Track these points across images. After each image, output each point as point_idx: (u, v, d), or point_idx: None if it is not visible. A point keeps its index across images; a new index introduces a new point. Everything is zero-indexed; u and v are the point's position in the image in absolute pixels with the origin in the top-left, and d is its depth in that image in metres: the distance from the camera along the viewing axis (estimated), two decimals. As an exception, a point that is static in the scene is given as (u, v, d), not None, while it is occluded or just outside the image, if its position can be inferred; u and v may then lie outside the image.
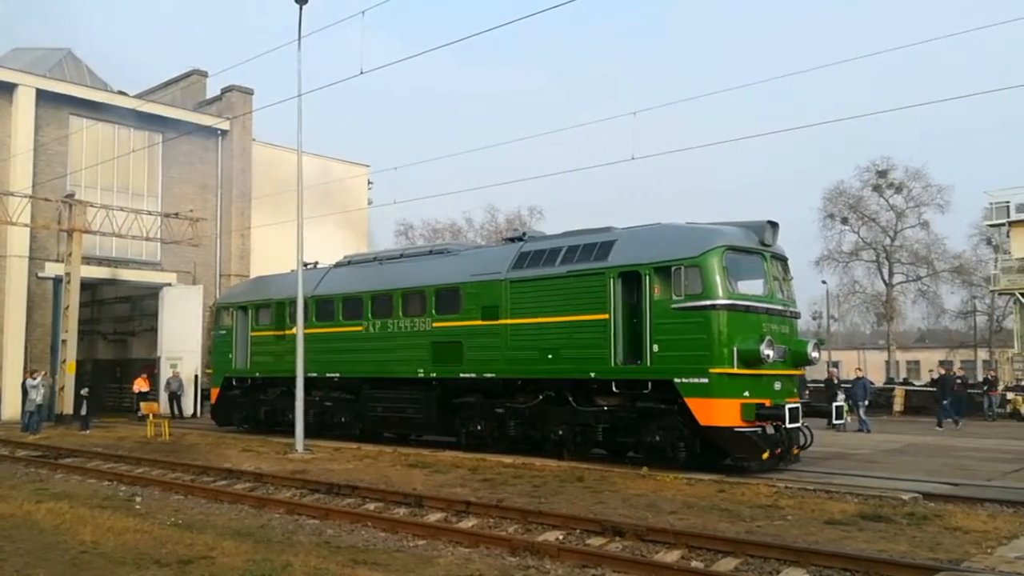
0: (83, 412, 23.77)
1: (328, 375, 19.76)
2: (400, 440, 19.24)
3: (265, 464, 15.52)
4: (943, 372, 26.41)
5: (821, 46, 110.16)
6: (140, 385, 27.98)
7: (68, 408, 24.92)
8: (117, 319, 36.33)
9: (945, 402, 24.41)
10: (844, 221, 52.74)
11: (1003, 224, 40.92)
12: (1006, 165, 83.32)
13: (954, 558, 7.91)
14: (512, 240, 18.04)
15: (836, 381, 26.92)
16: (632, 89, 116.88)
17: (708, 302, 13.49)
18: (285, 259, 23.21)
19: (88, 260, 27.21)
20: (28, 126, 27.68)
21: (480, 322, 16.65)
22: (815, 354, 14.69)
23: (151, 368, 29.58)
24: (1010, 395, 30.28)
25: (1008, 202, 39.89)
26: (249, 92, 33.66)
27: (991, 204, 41.24)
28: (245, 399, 22.63)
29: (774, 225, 14.72)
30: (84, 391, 24.31)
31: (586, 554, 8.23)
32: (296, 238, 18.26)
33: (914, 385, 36.38)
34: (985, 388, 29.07)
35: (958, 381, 25.90)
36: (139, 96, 33.30)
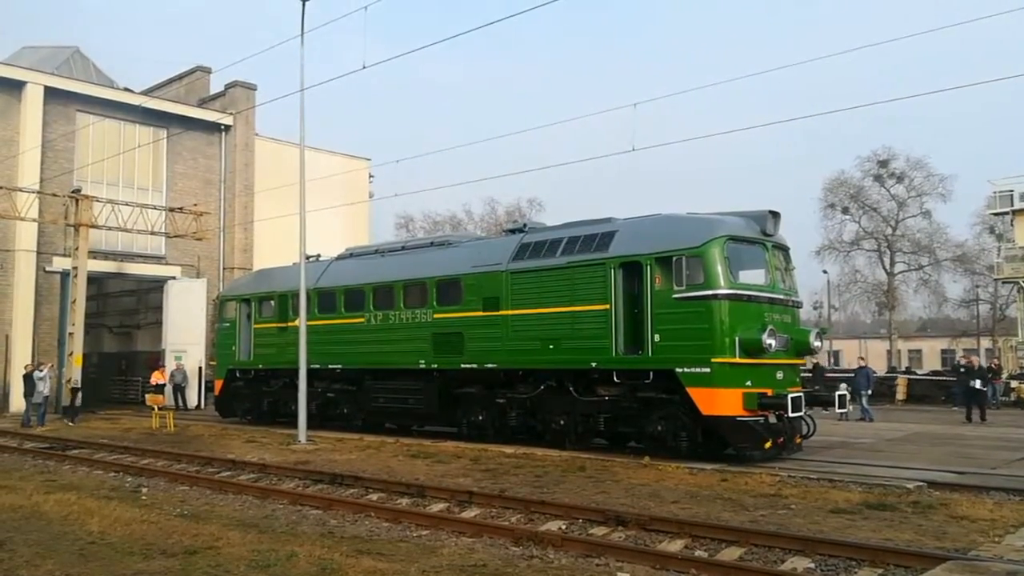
0: (72, 404, 23.80)
1: (330, 366, 19.82)
2: (402, 431, 19.28)
3: (269, 455, 15.58)
4: (861, 362, 24.48)
5: (823, 36, 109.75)
6: (157, 378, 27.80)
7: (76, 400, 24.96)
8: (123, 312, 36.59)
9: (866, 393, 22.83)
10: (845, 211, 52.66)
11: (1007, 213, 40.89)
12: (1009, 155, 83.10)
13: (961, 547, 7.88)
14: (513, 231, 18.01)
15: (974, 367, 23.73)
16: (632, 81, 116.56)
17: (710, 292, 13.48)
18: (288, 252, 23.25)
19: (95, 254, 27.38)
20: (36, 123, 27.83)
21: (481, 313, 16.67)
22: (817, 343, 14.75)
23: (155, 360, 29.66)
24: (1013, 383, 30.28)
25: (1012, 191, 39.81)
26: (252, 88, 33.78)
27: (995, 193, 41.17)
28: (248, 391, 22.72)
29: (775, 215, 14.71)
30: (75, 383, 24.30)
31: (590, 543, 8.24)
32: (299, 231, 18.28)
33: (916, 374, 36.38)
34: (988, 376, 29.05)
35: (874, 372, 23.65)
36: (144, 92, 33.26)
